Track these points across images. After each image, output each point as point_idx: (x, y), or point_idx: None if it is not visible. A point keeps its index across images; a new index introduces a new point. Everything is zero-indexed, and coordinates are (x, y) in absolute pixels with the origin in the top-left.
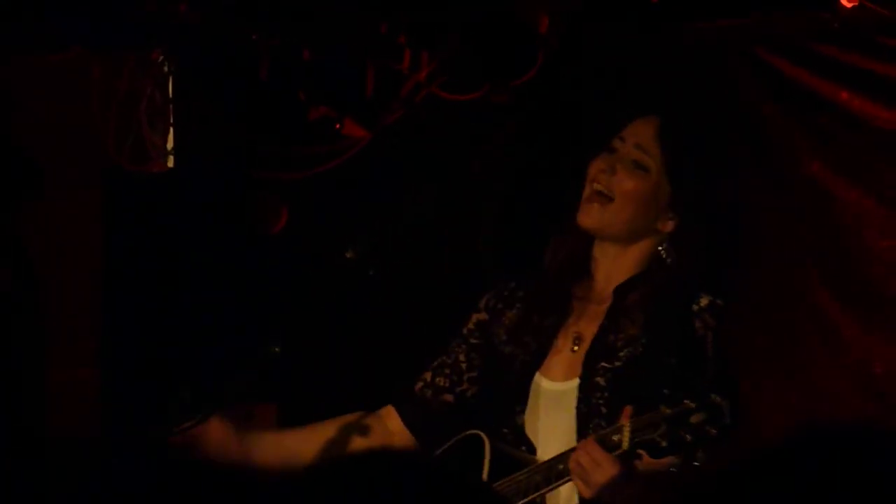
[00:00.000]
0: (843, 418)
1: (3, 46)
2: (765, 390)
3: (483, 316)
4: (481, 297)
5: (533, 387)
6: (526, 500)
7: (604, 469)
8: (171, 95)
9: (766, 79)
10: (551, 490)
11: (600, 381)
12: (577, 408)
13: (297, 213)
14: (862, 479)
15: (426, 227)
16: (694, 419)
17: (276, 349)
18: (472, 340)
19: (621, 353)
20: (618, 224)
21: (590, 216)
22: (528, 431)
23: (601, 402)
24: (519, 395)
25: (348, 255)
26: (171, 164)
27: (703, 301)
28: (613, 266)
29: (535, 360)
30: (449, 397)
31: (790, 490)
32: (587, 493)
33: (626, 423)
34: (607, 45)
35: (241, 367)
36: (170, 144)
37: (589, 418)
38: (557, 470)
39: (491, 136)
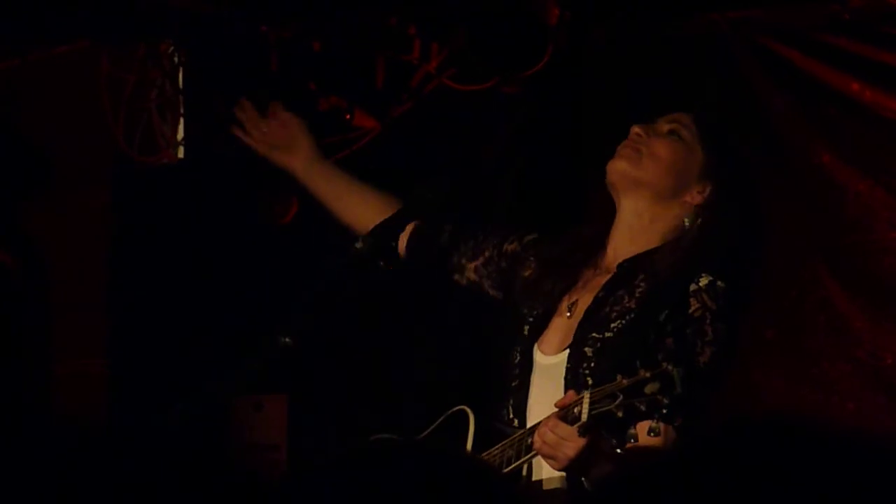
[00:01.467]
0: (853, 410)
1: (11, 39)
2: (774, 383)
3: (518, 248)
4: (528, 232)
5: (533, 363)
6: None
7: (567, 443)
8: (181, 86)
9: (775, 70)
10: (522, 463)
11: (588, 350)
12: (565, 378)
13: (307, 204)
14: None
15: (436, 217)
16: (648, 389)
17: (287, 340)
18: (503, 261)
19: (613, 325)
20: (645, 177)
21: (617, 165)
22: (522, 406)
23: (587, 372)
24: (518, 370)
25: (358, 246)
26: (181, 155)
27: (703, 281)
28: (629, 232)
29: (537, 328)
30: (455, 259)
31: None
32: (557, 468)
33: (585, 395)
34: (617, 36)
35: (252, 358)
36: (180, 135)
37: (575, 389)
38: (527, 444)
39: (501, 126)
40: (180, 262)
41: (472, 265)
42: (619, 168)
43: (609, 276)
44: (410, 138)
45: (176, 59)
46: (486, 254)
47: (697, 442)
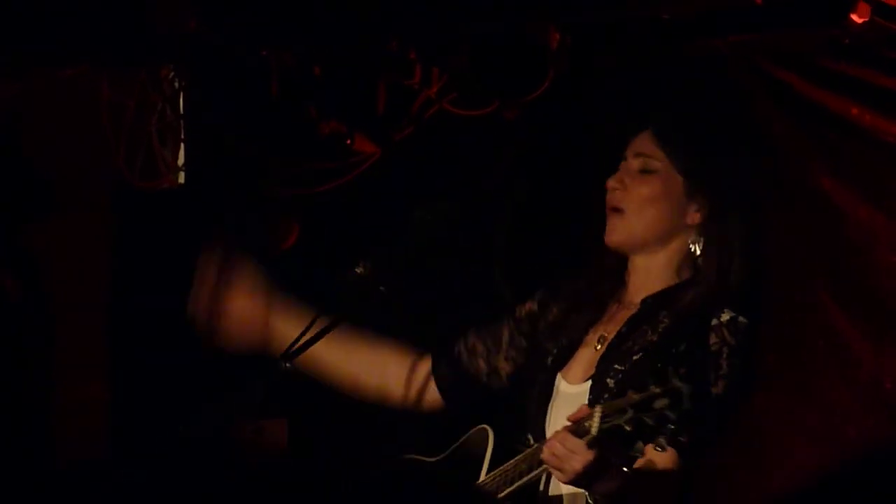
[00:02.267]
0: (853, 434)
1: (13, 63)
2: (775, 406)
3: (534, 307)
4: (536, 292)
5: (554, 389)
6: (512, 487)
7: (576, 456)
8: (181, 111)
9: (776, 94)
10: (534, 476)
11: (609, 382)
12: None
13: (308, 229)
14: None
15: (436, 242)
16: (657, 404)
17: (287, 364)
18: (522, 326)
19: (634, 357)
20: (640, 232)
21: (612, 233)
22: (546, 430)
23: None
24: (545, 395)
25: (358, 271)
26: (181, 179)
27: (725, 316)
28: (646, 275)
29: (561, 358)
30: (482, 365)
31: None
32: (563, 480)
33: (597, 409)
34: (618, 61)
35: (252, 384)
36: (180, 160)
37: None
38: (539, 458)
39: (501, 151)
40: (181, 287)
41: (500, 360)
42: (615, 240)
43: (633, 312)
44: (411, 163)
45: (176, 84)
46: (506, 336)
47: None
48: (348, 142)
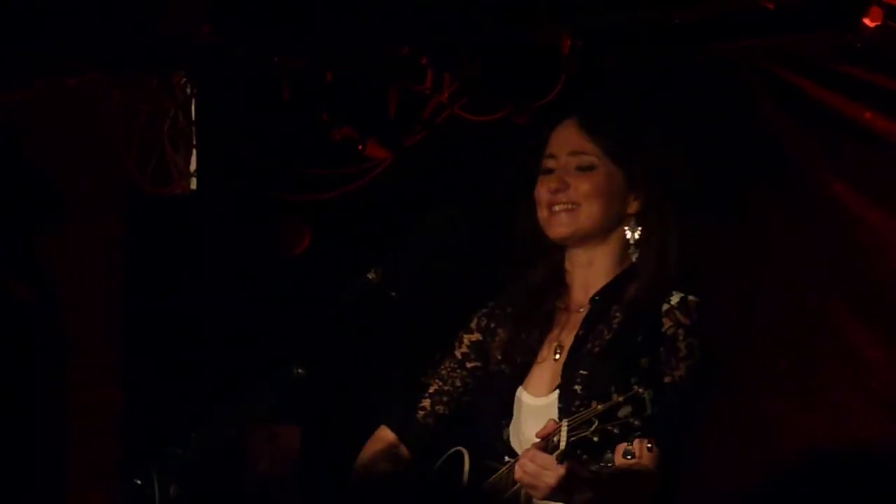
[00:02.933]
0: (866, 439)
1: (24, 70)
2: (787, 412)
3: (476, 336)
4: (472, 319)
5: (515, 402)
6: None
7: (548, 472)
8: (193, 117)
9: (787, 99)
10: (511, 496)
11: (577, 388)
12: (559, 418)
13: (320, 235)
14: None
15: (448, 248)
16: (621, 413)
17: (300, 371)
18: (469, 364)
19: (596, 359)
20: (587, 224)
21: (561, 226)
22: (514, 445)
23: (580, 407)
24: (503, 410)
25: (370, 277)
26: (193, 186)
27: (674, 299)
28: (588, 272)
29: (519, 373)
30: (449, 420)
31: None
32: (538, 496)
33: (563, 423)
34: (629, 65)
35: (265, 390)
36: (192, 166)
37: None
38: (512, 476)
39: (513, 157)
40: (194, 293)
41: (459, 403)
42: (561, 233)
43: (585, 313)
44: (423, 168)
45: (188, 91)
46: (458, 382)
47: None
48: (360, 147)
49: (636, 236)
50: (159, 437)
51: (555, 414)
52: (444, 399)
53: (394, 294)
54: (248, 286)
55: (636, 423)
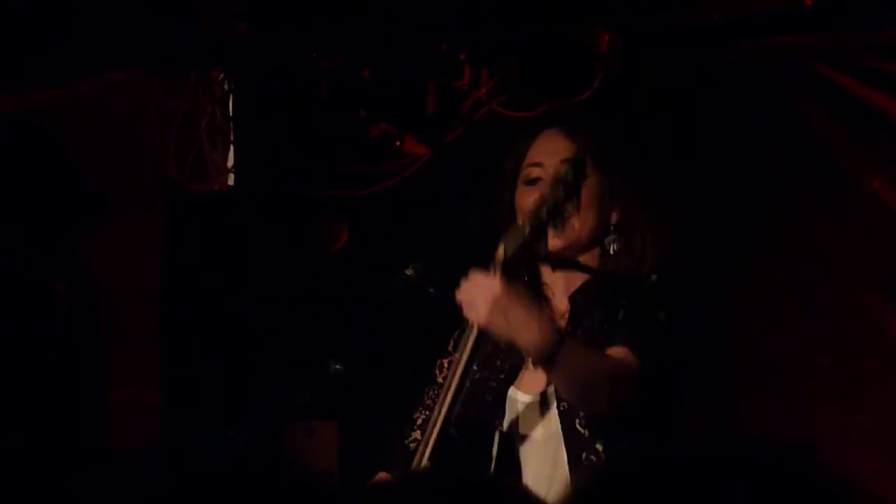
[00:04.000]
0: None
1: (63, 67)
2: (827, 408)
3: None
4: (448, 342)
5: (509, 402)
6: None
7: (485, 284)
8: (231, 114)
9: (825, 95)
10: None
11: None
12: (559, 408)
13: (358, 232)
14: None
15: (485, 244)
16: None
17: (338, 367)
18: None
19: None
20: (585, 234)
21: (562, 237)
22: (512, 445)
23: None
24: (495, 409)
25: (408, 274)
26: (231, 182)
27: (654, 277)
28: (564, 280)
29: (508, 377)
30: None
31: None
32: (479, 320)
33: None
34: (667, 62)
35: (303, 386)
36: (230, 163)
37: (573, 414)
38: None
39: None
40: (232, 290)
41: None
42: (559, 245)
43: (566, 312)
44: (461, 165)
45: (226, 87)
46: (429, 402)
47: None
48: (398, 143)
49: (616, 247)
50: (197, 434)
51: (554, 408)
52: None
53: (432, 291)
54: (285, 283)
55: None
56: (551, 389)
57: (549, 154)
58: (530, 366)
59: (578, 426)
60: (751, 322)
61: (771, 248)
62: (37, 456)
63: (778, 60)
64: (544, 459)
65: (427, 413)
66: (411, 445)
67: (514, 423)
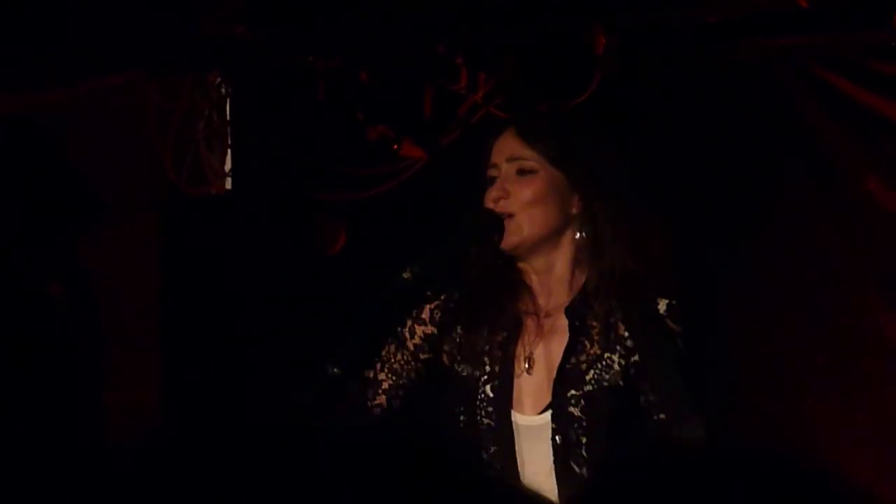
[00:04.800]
0: None
1: (60, 69)
2: (827, 408)
3: (431, 329)
4: (420, 307)
5: (514, 426)
6: None
7: None
8: (228, 117)
9: (822, 97)
10: None
11: (574, 411)
12: (553, 440)
13: (356, 234)
14: None
15: (483, 247)
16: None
17: (336, 370)
18: (422, 356)
19: (587, 377)
20: (533, 232)
21: (510, 240)
22: (520, 470)
23: (580, 431)
24: (506, 435)
25: (406, 276)
26: (228, 185)
27: (662, 306)
28: (549, 278)
29: (504, 391)
30: (401, 410)
31: None
32: None
33: None
34: (663, 63)
35: (301, 389)
36: (227, 166)
37: (568, 450)
38: None
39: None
40: (229, 293)
41: (398, 392)
42: (510, 243)
43: (555, 323)
44: (458, 168)
45: (223, 90)
46: (404, 370)
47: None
48: (395, 146)
49: (584, 235)
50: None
51: (548, 435)
52: (400, 393)
53: (429, 294)
54: (283, 285)
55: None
56: (547, 416)
57: (501, 153)
58: (518, 374)
59: (573, 463)
60: (750, 322)
61: (770, 249)
62: (35, 457)
63: (776, 61)
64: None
65: (395, 379)
66: (375, 410)
67: (518, 446)
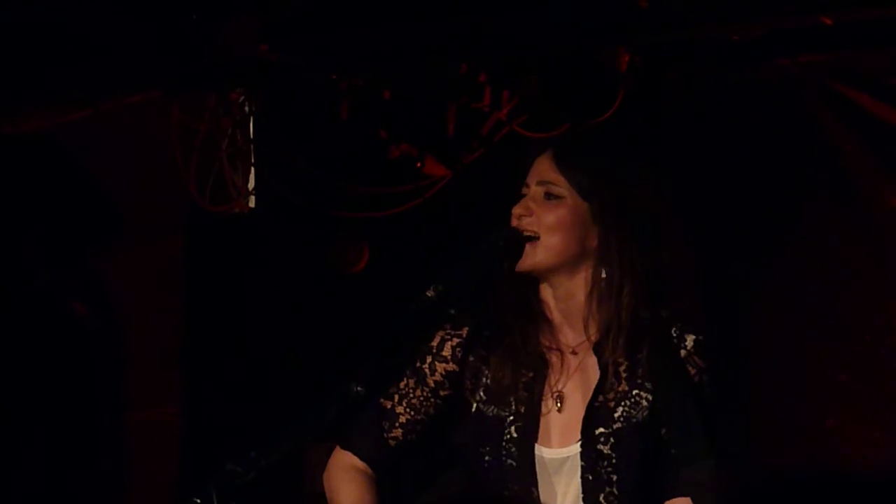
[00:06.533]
0: None
1: (84, 89)
2: (848, 426)
3: (452, 367)
4: (440, 343)
5: (537, 459)
6: None
7: None
8: (251, 136)
9: (845, 114)
10: None
11: (603, 448)
12: (583, 478)
13: (379, 253)
14: None
15: (507, 265)
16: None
17: (359, 389)
18: (442, 392)
19: (616, 414)
20: (552, 257)
21: (525, 263)
22: (535, 501)
23: (609, 468)
24: (527, 469)
25: (429, 294)
26: (252, 204)
27: (689, 342)
28: (570, 306)
29: (530, 428)
30: (416, 444)
31: None
32: None
33: None
34: (687, 82)
35: (324, 407)
36: (251, 185)
37: (598, 488)
38: None
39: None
40: (253, 311)
41: (418, 427)
42: (526, 264)
43: (582, 361)
44: (481, 186)
45: (246, 109)
46: (424, 406)
47: None
48: (418, 165)
49: (601, 270)
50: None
51: (577, 471)
52: (418, 428)
53: (453, 312)
54: (306, 304)
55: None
56: (576, 449)
57: (534, 175)
58: (545, 413)
59: (603, 500)
60: (773, 339)
61: (793, 266)
62: (56, 474)
63: (799, 78)
64: None
65: (413, 414)
66: (390, 442)
67: (544, 481)
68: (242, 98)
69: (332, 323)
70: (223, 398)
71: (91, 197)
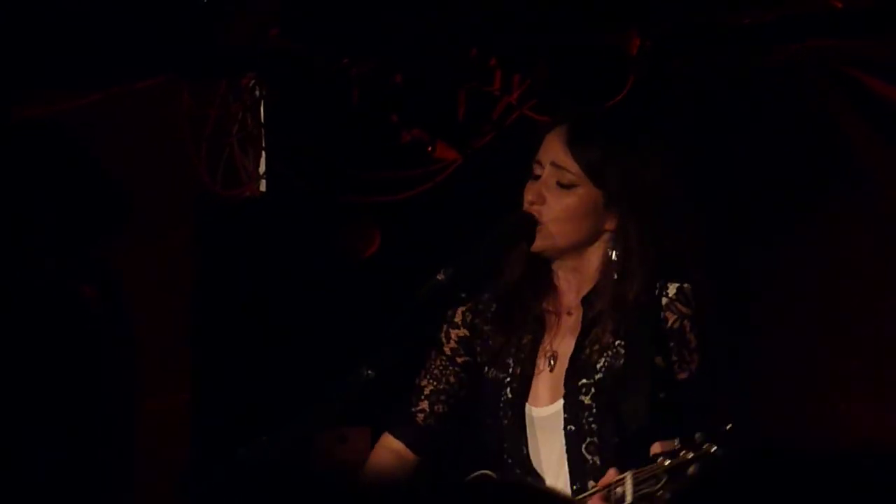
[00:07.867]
0: None
1: (93, 74)
2: (860, 412)
3: (464, 332)
4: (453, 311)
5: (526, 418)
6: None
7: None
8: (262, 120)
9: (856, 99)
10: None
11: (584, 399)
12: (566, 429)
13: (390, 237)
14: None
15: (517, 249)
16: (691, 471)
17: (370, 373)
18: (459, 359)
19: (598, 365)
20: (561, 242)
21: (537, 242)
22: (534, 462)
23: (590, 419)
24: (517, 428)
25: (440, 278)
26: (262, 188)
27: (671, 290)
28: (575, 275)
29: (522, 388)
30: (449, 417)
31: None
32: None
33: (628, 476)
34: (697, 66)
35: (335, 392)
36: (262, 169)
37: (580, 439)
38: None
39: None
40: (264, 296)
41: (454, 401)
42: (540, 245)
43: (577, 316)
44: (492, 170)
45: (257, 93)
46: (452, 379)
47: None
48: (429, 149)
49: (616, 252)
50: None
51: (560, 425)
52: (442, 398)
53: (464, 296)
54: (317, 289)
55: (710, 480)
56: (559, 405)
57: (547, 154)
58: (538, 373)
59: (585, 451)
60: (783, 327)
61: (803, 253)
62: (67, 462)
63: (809, 63)
64: (550, 479)
65: (435, 384)
66: (418, 416)
67: (532, 439)
68: (253, 83)
69: (343, 307)
70: (234, 384)
71: (100, 182)
